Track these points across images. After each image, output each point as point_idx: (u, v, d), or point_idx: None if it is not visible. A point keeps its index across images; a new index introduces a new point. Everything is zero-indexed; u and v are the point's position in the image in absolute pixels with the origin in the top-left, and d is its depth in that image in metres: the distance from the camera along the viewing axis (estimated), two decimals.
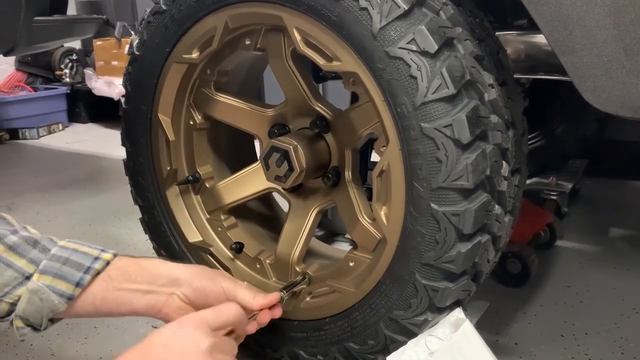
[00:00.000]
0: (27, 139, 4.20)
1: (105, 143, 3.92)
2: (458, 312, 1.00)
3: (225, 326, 0.86)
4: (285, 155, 1.12)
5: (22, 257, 0.87)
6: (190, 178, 1.30)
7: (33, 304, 0.85)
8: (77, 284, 0.86)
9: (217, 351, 0.80)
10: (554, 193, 2.13)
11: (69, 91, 4.55)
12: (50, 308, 0.86)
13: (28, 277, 0.86)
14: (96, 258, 0.89)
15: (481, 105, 0.93)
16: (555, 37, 0.86)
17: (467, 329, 0.95)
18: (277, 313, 0.99)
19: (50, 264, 0.87)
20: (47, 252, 0.88)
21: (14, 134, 4.17)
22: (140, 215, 1.37)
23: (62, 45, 4.60)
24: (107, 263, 0.89)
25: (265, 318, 0.96)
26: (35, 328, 0.88)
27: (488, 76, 0.99)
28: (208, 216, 1.32)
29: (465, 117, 0.89)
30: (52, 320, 0.89)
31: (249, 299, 0.94)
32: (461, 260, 0.94)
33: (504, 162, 1.00)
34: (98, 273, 0.88)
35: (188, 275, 0.93)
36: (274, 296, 0.98)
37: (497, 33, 1.19)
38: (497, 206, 0.99)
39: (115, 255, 0.91)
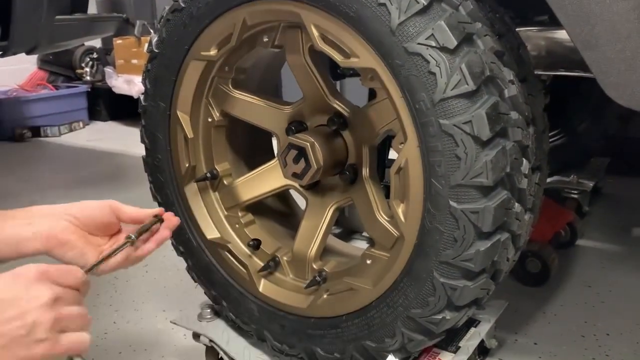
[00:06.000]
0: (48, 137, 4.27)
1: (125, 141, 3.97)
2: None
3: (69, 285, 0.77)
4: (302, 152, 1.12)
5: None
6: (209, 175, 1.30)
7: None
8: None
9: (61, 304, 0.73)
10: (575, 191, 2.11)
11: (89, 89, 4.61)
12: None
13: None
14: None
15: (501, 102, 0.92)
16: (577, 32, 0.85)
17: None
18: (174, 221, 1.00)
19: None
20: None
21: (36, 131, 4.25)
22: None
23: (83, 44, 4.66)
24: None
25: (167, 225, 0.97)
26: None
27: (508, 72, 0.97)
28: (226, 213, 1.32)
29: (485, 114, 0.87)
30: None
31: (134, 211, 0.95)
32: (480, 258, 0.93)
33: (524, 159, 0.98)
34: None
35: (69, 205, 0.92)
36: (160, 209, 0.99)
37: (517, 29, 1.17)
38: (517, 204, 0.98)
39: None
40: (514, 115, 0.95)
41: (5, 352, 0.67)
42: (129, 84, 4.19)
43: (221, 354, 1.28)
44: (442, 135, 0.90)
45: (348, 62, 0.99)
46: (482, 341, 1.26)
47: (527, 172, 0.99)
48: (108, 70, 4.50)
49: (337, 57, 1.01)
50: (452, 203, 0.91)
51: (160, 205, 1.37)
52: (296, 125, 1.19)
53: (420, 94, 0.90)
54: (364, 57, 0.96)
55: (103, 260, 0.89)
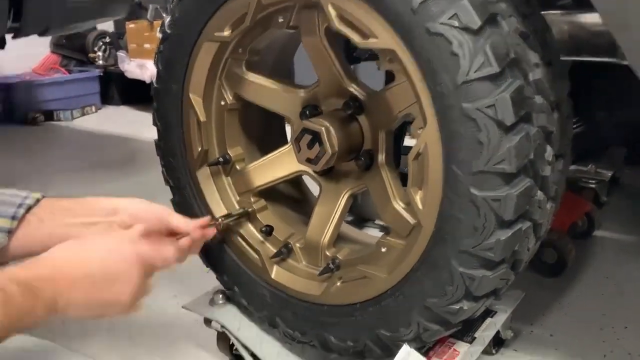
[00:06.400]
0: (61, 121, 4.27)
1: (137, 125, 3.96)
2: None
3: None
4: (317, 137, 1.09)
5: None
6: (221, 159, 1.28)
7: None
8: (13, 217, 0.91)
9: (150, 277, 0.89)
10: (593, 181, 2.07)
11: (102, 74, 4.60)
12: None
13: None
14: (26, 197, 0.95)
15: (526, 85, 0.88)
16: (609, 13, 0.81)
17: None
18: (210, 232, 1.09)
19: None
20: None
21: (48, 115, 4.25)
22: (172, 196, 1.37)
23: (96, 28, 4.65)
24: (38, 200, 0.95)
25: (196, 234, 1.05)
26: None
27: (533, 55, 0.94)
28: (238, 198, 1.30)
29: (509, 98, 0.84)
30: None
31: (182, 222, 1.03)
32: (500, 247, 0.91)
33: (548, 145, 0.95)
34: (30, 208, 0.94)
35: (124, 204, 1.01)
36: (205, 219, 1.09)
37: (541, 12, 1.13)
38: (539, 192, 0.95)
39: (43, 196, 0.98)
40: (538, 99, 0.91)
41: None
42: (141, 68, 4.18)
43: (232, 339, 1.27)
44: (464, 120, 0.86)
45: (366, 43, 0.96)
46: (498, 332, 1.24)
47: (550, 159, 0.96)
48: (120, 54, 4.49)
49: (355, 37, 0.98)
50: (472, 190, 0.88)
51: (172, 189, 1.35)
52: (310, 109, 1.16)
53: (442, 76, 0.87)
54: (383, 37, 0.93)
55: None
